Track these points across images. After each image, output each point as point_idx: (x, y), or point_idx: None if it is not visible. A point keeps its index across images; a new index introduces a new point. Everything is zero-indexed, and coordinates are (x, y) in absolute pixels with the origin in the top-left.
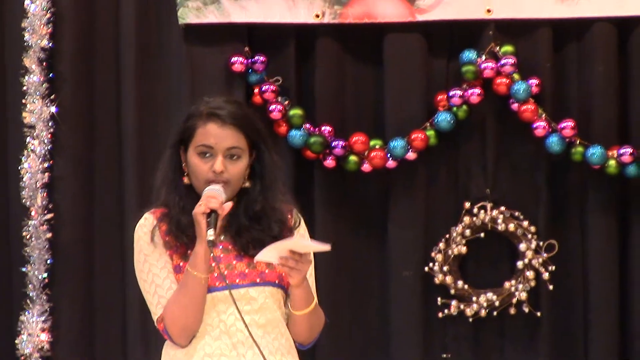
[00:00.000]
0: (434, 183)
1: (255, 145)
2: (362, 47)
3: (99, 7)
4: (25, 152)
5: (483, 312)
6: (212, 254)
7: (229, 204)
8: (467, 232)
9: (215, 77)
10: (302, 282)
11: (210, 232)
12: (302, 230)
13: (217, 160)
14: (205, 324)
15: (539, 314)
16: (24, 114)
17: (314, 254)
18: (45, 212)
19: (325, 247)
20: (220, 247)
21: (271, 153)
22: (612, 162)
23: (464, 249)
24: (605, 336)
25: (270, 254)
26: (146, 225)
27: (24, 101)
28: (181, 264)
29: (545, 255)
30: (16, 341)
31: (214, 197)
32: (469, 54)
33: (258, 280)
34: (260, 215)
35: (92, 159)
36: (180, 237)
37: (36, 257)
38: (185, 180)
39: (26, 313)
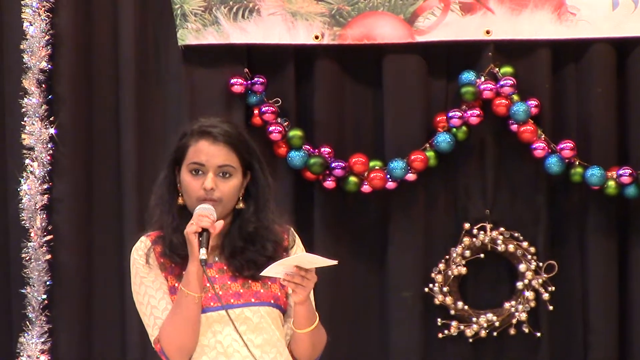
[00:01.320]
0: (434, 204)
1: (250, 165)
2: (362, 68)
3: (98, 29)
4: (25, 174)
5: (483, 333)
6: (205, 274)
7: (221, 223)
8: (467, 252)
9: (214, 98)
10: (306, 300)
11: (203, 251)
12: (299, 250)
13: (208, 178)
14: (202, 344)
15: (538, 334)
16: (23, 136)
17: (321, 277)
18: (45, 233)
19: (331, 262)
20: (214, 267)
21: (265, 174)
22: (611, 183)
23: (463, 270)
24: (604, 357)
25: (276, 270)
26: (141, 247)
27: (23, 123)
28: (176, 284)
29: (545, 276)
30: None
31: (205, 216)
32: (468, 75)
33: (253, 300)
34: (254, 236)
35: (91, 181)
36: (173, 257)
37: (35, 278)
38: (180, 200)
39: (25, 335)
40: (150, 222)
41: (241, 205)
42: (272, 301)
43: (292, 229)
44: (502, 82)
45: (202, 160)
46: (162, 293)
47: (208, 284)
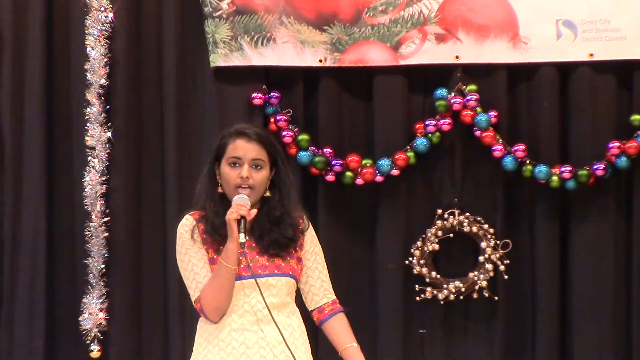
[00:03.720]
0: (413, 194)
1: (275, 161)
2: (356, 86)
3: (146, 53)
4: (87, 168)
5: (452, 297)
6: (243, 252)
7: (254, 211)
8: (440, 232)
9: (239, 109)
10: None
11: (242, 235)
12: (312, 232)
13: (244, 168)
14: (233, 304)
15: (496, 298)
16: (86, 138)
17: (324, 252)
18: (103, 216)
19: None
20: (245, 244)
21: (287, 169)
22: (555, 178)
23: (436, 246)
24: (548, 317)
25: None
26: (187, 224)
27: (86, 128)
28: (215, 257)
29: (501, 251)
30: (79, 319)
31: (243, 205)
32: (441, 92)
33: (276, 272)
34: (279, 220)
35: (141, 174)
36: (214, 235)
37: (95, 252)
38: (220, 189)
39: (87, 296)
40: (195, 206)
41: (268, 193)
42: (290, 273)
43: (305, 216)
44: (468, 97)
45: (239, 154)
46: (203, 263)
47: (242, 258)
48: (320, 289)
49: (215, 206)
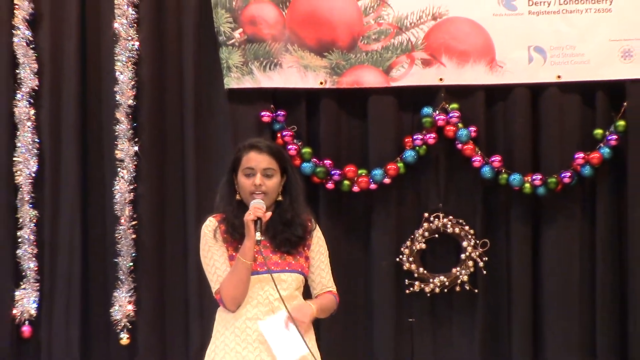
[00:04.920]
0: (403, 199)
1: (285, 169)
2: (353, 105)
3: (168, 77)
4: (117, 178)
5: (437, 290)
6: (259, 249)
7: (269, 213)
8: (426, 233)
9: (250, 125)
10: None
11: (258, 234)
12: (319, 233)
13: (257, 177)
14: (248, 296)
15: (476, 290)
16: (116, 152)
17: (328, 247)
18: (131, 220)
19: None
20: (260, 244)
21: (296, 175)
22: (527, 185)
23: (424, 245)
24: (522, 307)
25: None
26: (210, 225)
27: (116, 143)
28: (234, 254)
29: (480, 250)
30: (110, 310)
31: (259, 208)
32: (427, 110)
33: (287, 268)
34: (290, 222)
35: (164, 183)
36: (234, 235)
37: (124, 252)
38: (237, 196)
39: (117, 291)
40: (217, 210)
41: (280, 198)
42: (299, 270)
43: (313, 218)
44: (451, 115)
45: (252, 165)
46: (223, 259)
47: (257, 255)
48: (319, 285)
49: (234, 210)
